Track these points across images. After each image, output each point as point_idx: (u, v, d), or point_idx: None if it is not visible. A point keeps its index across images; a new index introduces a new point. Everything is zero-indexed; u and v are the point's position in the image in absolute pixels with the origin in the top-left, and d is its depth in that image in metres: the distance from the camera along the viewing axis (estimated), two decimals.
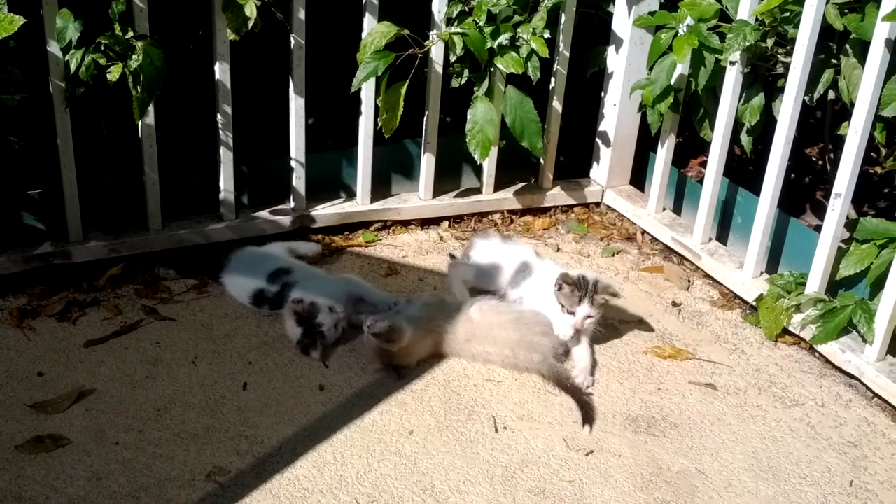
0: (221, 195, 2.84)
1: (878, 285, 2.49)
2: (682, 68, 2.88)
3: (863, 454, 2.28)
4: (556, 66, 3.05)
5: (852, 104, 2.48)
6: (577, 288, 2.41)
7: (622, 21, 3.05)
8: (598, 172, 3.30)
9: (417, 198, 3.11)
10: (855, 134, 2.44)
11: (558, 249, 3.06)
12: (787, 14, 2.64)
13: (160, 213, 2.78)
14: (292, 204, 2.96)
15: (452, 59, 2.87)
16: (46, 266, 2.65)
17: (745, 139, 2.87)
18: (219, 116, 2.73)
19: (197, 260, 2.78)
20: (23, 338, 2.45)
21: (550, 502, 2.07)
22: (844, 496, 2.15)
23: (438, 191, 3.12)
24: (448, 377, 2.43)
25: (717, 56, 2.75)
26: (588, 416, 2.30)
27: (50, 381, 2.31)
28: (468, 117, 2.87)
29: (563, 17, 2.98)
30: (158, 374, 2.36)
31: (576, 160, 3.36)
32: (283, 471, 2.09)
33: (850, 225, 2.60)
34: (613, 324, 2.64)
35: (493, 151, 3.04)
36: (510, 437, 2.25)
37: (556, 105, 3.12)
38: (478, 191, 3.19)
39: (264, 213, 2.93)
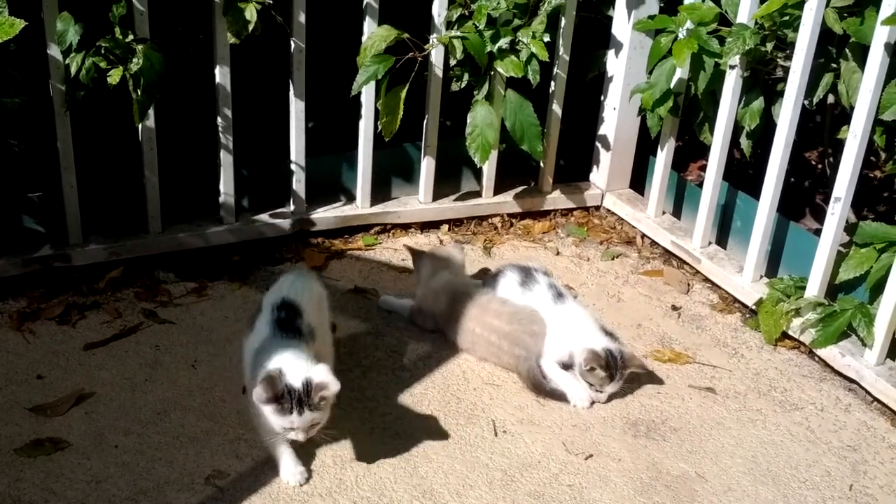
0: (221, 198, 2.84)
1: (878, 289, 2.49)
2: (681, 72, 2.89)
3: (862, 458, 2.28)
4: (555, 69, 3.06)
5: (852, 108, 2.48)
6: (608, 368, 2.32)
7: (622, 25, 3.05)
8: (598, 176, 3.30)
9: (417, 201, 3.11)
10: (854, 138, 2.44)
11: (558, 253, 3.06)
12: (787, 18, 2.64)
13: (160, 216, 2.78)
14: (292, 207, 2.96)
15: (452, 62, 2.87)
16: (46, 269, 2.65)
17: (744, 143, 2.87)
18: (219, 120, 2.74)
19: (197, 263, 2.79)
20: (22, 341, 2.45)
21: None
22: (844, 500, 2.15)
23: (438, 194, 3.12)
24: (447, 381, 2.43)
25: (716, 60, 2.75)
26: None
27: (49, 384, 2.31)
28: (468, 121, 2.87)
29: (563, 21, 2.98)
30: (158, 377, 2.36)
31: (576, 164, 3.36)
32: (282, 475, 2.08)
33: (850, 229, 2.60)
34: (613, 328, 2.64)
35: (493, 155, 3.04)
36: (509, 441, 2.25)
37: (556, 109, 3.12)
38: (478, 194, 3.19)
39: (264, 217, 2.93)
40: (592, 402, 2.37)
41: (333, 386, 1.93)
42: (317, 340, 2.12)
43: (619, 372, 2.33)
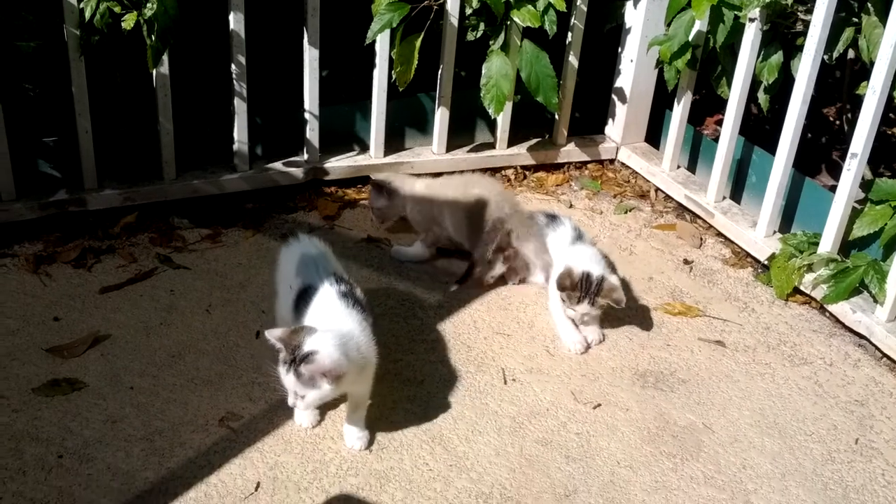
0: (235, 146, 2.85)
1: (892, 246, 2.49)
2: (700, 24, 2.85)
3: (869, 413, 2.29)
4: (573, 20, 3.03)
5: (872, 63, 2.45)
6: (578, 289, 2.34)
7: None
8: (613, 129, 3.29)
9: (431, 152, 3.11)
10: (873, 94, 2.42)
11: (571, 206, 3.06)
12: None
13: (174, 163, 2.79)
14: (306, 156, 2.96)
15: (468, 11, 2.85)
16: (62, 213, 2.68)
17: (762, 97, 2.85)
18: (233, 67, 2.73)
19: (211, 210, 2.80)
20: (39, 283, 2.48)
21: (557, 453, 2.10)
22: (849, 453, 2.17)
23: (452, 145, 3.11)
24: (458, 329, 2.45)
25: (736, 13, 2.72)
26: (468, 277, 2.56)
27: (66, 326, 2.34)
28: (483, 71, 2.85)
29: None
30: (173, 321, 2.39)
31: (591, 116, 3.34)
32: (295, 417, 2.12)
33: (866, 185, 2.59)
34: (625, 280, 2.65)
35: (508, 106, 3.03)
36: (519, 389, 2.27)
37: (573, 60, 3.10)
38: (491, 146, 3.18)
39: (278, 165, 2.93)
40: (587, 349, 2.40)
41: (319, 364, 1.82)
42: None
43: (590, 295, 2.34)
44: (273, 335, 1.88)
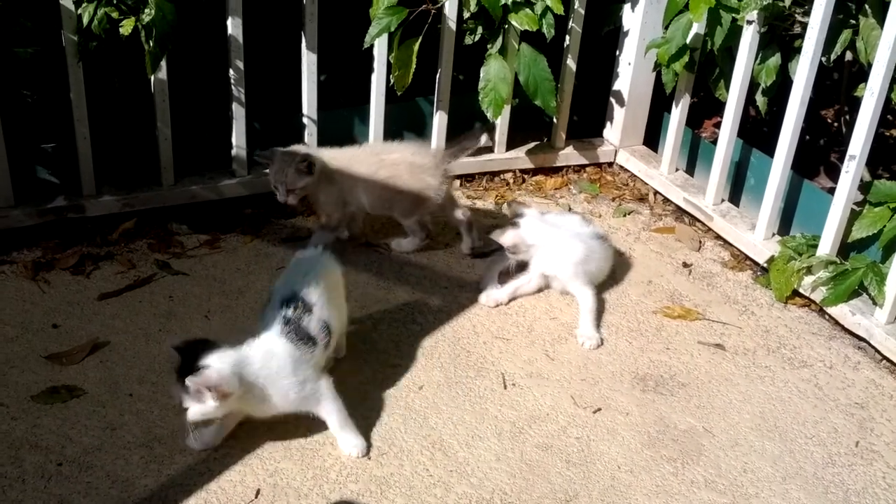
0: (234, 151, 2.85)
1: (891, 248, 2.49)
2: (698, 27, 2.85)
3: (870, 416, 2.29)
4: (570, 23, 3.03)
5: (869, 65, 2.45)
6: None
7: None
8: (612, 132, 3.29)
9: None
10: (871, 96, 2.42)
11: (570, 209, 3.06)
12: None
13: (173, 169, 2.79)
14: None
15: (466, 15, 2.85)
16: (60, 220, 2.67)
17: (760, 100, 2.85)
18: (231, 72, 2.73)
19: (209, 215, 2.80)
20: (37, 290, 2.48)
21: (557, 458, 2.10)
22: (850, 456, 2.17)
23: None
24: (457, 334, 2.45)
25: (733, 15, 2.72)
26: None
27: (64, 332, 2.34)
28: (481, 75, 2.85)
29: None
30: (172, 327, 2.39)
31: (589, 120, 3.34)
32: (294, 424, 2.11)
33: (864, 187, 2.59)
34: (624, 284, 2.65)
35: (506, 110, 3.03)
36: (518, 394, 2.27)
37: (570, 63, 3.10)
38: (490, 150, 3.17)
39: None
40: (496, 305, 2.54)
41: (205, 379, 1.83)
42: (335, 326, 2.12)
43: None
44: (173, 342, 1.93)
